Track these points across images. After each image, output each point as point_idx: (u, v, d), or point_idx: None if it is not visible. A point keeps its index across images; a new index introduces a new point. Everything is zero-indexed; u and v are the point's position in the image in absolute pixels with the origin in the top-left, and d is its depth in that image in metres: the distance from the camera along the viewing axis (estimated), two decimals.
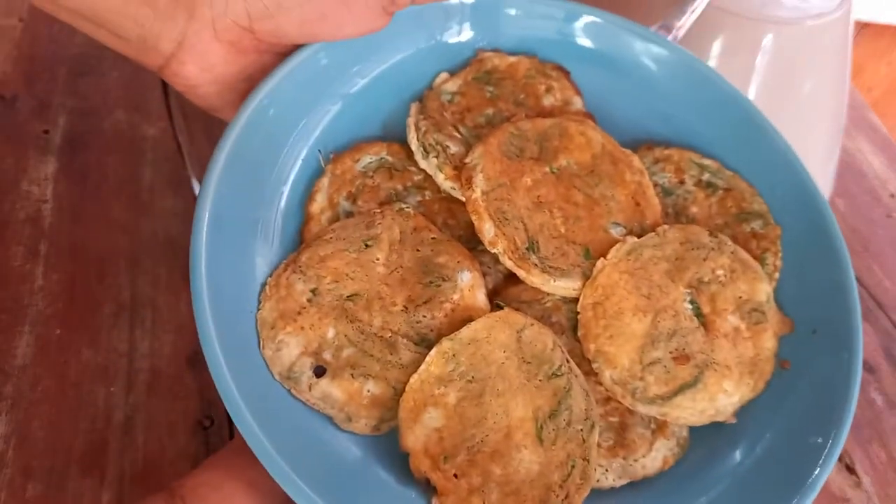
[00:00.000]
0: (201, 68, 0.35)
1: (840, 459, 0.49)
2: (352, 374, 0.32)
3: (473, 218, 0.35)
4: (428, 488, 0.31)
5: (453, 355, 0.32)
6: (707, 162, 0.39)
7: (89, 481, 0.43)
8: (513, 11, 0.39)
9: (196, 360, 0.49)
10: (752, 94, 0.55)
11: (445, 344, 0.32)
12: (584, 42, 0.40)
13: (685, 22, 0.49)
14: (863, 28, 1.06)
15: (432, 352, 0.32)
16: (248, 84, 0.36)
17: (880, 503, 0.48)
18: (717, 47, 0.53)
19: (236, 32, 0.34)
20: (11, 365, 0.47)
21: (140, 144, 0.61)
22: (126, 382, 0.47)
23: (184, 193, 0.58)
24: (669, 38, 0.48)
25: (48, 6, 0.34)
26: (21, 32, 0.69)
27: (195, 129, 0.63)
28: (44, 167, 0.58)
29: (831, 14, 0.54)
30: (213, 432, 0.46)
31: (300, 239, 0.36)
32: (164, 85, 0.66)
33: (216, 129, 0.63)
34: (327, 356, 0.32)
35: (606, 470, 0.33)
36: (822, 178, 0.64)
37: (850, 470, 0.49)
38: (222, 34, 0.34)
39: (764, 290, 0.36)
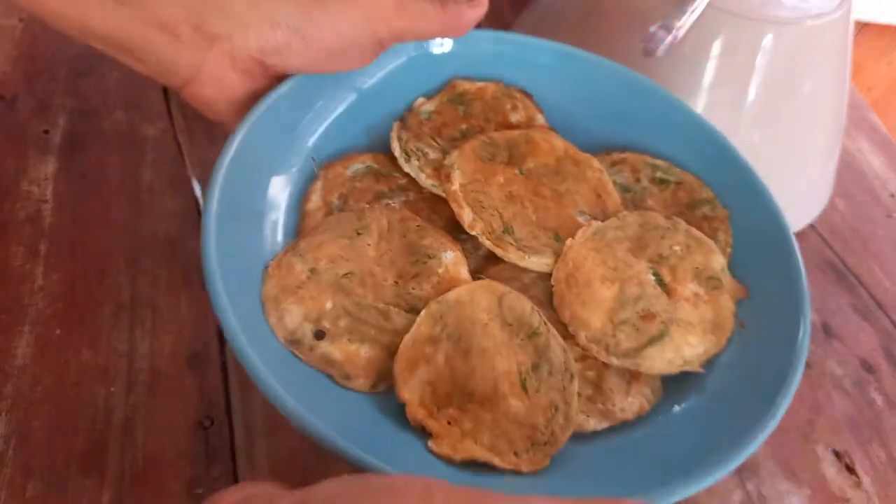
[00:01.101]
0: (217, 90, 0.39)
1: (840, 459, 0.49)
2: (349, 339, 0.35)
3: (454, 206, 0.39)
4: (424, 433, 0.33)
5: (441, 316, 0.36)
6: (658, 162, 0.45)
7: (89, 481, 0.43)
8: (485, 46, 0.46)
9: (196, 361, 0.49)
10: (752, 95, 0.55)
11: (433, 306, 0.36)
12: (545, 68, 0.47)
13: (685, 22, 0.49)
14: (863, 28, 1.06)
15: (422, 313, 0.36)
16: (257, 101, 0.41)
17: (880, 503, 0.48)
18: (717, 47, 0.54)
19: (250, 63, 0.39)
20: (11, 365, 0.47)
21: (140, 145, 0.61)
22: (126, 382, 0.47)
23: (184, 194, 0.58)
24: (669, 38, 0.49)
25: (77, 35, 0.37)
26: (21, 32, 0.69)
27: (195, 129, 0.63)
28: (44, 167, 0.58)
29: (831, 14, 0.54)
30: (213, 432, 0.46)
31: (297, 232, 0.40)
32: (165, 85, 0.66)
33: (216, 130, 0.63)
34: (326, 324, 0.36)
35: (588, 416, 0.36)
36: (822, 177, 0.64)
37: (850, 470, 0.49)
38: (238, 64, 0.38)
39: (718, 261, 0.40)
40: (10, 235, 0.54)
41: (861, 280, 0.60)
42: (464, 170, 0.40)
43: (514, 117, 0.45)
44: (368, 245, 0.38)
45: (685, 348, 0.37)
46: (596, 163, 0.43)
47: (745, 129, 0.56)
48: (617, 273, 0.39)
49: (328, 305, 0.36)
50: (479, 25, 0.75)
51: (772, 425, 0.33)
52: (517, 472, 0.33)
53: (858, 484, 0.48)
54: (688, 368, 0.38)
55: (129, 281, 0.52)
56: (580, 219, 0.41)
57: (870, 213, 0.65)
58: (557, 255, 0.39)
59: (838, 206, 0.65)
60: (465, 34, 0.42)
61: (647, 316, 0.38)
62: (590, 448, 0.35)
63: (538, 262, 0.39)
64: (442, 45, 0.45)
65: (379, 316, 0.36)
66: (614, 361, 0.37)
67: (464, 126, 0.45)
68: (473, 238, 0.40)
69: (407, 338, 0.35)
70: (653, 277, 0.39)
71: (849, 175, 0.68)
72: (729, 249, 0.42)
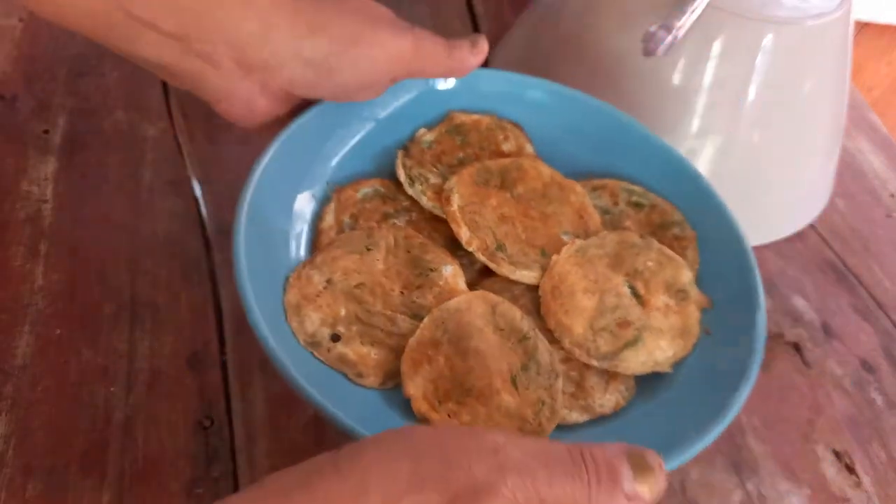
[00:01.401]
0: (247, 111, 0.43)
1: (840, 459, 0.49)
2: (361, 341, 0.40)
3: (453, 226, 0.44)
4: (427, 424, 0.38)
5: (442, 322, 0.41)
6: (634, 188, 0.50)
7: (89, 481, 0.43)
8: (478, 82, 0.51)
9: (196, 361, 0.49)
10: (752, 95, 0.55)
11: (435, 313, 0.41)
12: (533, 102, 0.52)
13: (685, 22, 0.49)
14: (863, 28, 1.06)
15: (425, 320, 0.41)
16: (283, 120, 0.46)
17: (880, 503, 0.48)
18: (717, 47, 0.54)
19: (279, 92, 0.43)
20: (11, 365, 0.47)
21: (140, 145, 0.61)
22: (126, 382, 0.47)
23: (184, 194, 0.58)
24: (669, 38, 0.49)
25: (122, 54, 0.41)
26: (21, 32, 0.69)
27: (195, 129, 0.63)
28: (44, 167, 0.58)
29: (831, 14, 0.54)
30: (213, 432, 0.46)
31: (313, 248, 0.45)
32: (165, 85, 0.66)
33: (216, 130, 0.63)
34: (341, 329, 0.40)
35: (571, 410, 0.41)
36: (822, 177, 0.64)
37: (850, 470, 0.49)
38: (268, 91, 0.43)
39: (686, 276, 0.45)
40: (10, 235, 0.54)
41: (861, 280, 0.60)
42: (461, 193, 0.45)
43: (506, 147, 0.51)
44: (377, 259, 0.43)
45: (656, 352, 0.42)
46: (579, 188, 0.48)
47: (745, 129, 0.56)
48: (597, 285, 0.44)
49: (342, 312, 0.41)
50: (478, 32, 0.75)
51: (730, 416, 0.37)
52: None
53: (858, 484, 0.48)
54: (658, 369, 0.42)
55: (129, 281, 0.52)
56: (564, 237, 0.46)
57: (870, 213, 0.65)
58: (544, 270, 0.44)
59: (838, 206, 0.65)
60: (464, 76, 0.47)
61: (623, 324, 0.43)
62: (572, 437, 0.40)
63: (527, 276, 0.44)
64: (445, 83, 0.50)
65: (387, 322, 0.41)
66: (594, 363, 0.42)
67: (461, 154, 0.50)
68: (470, 254, 0.44)
69: (412, 341, 0.40)
70: (628, 290, 0.44)
71: (849, 175, 0.68)
72: (696, 266, 0.47)
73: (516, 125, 0.52)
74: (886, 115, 0.79)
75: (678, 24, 0.49)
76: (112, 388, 0.47)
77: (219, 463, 0.45)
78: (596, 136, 0.51)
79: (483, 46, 0.45)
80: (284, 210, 0.44)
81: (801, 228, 0.63)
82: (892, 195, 0.67)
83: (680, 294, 0.44)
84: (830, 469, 0.49)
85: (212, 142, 0.62)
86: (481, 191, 0.46)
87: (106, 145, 0.60)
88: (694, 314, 0.44)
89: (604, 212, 0.49)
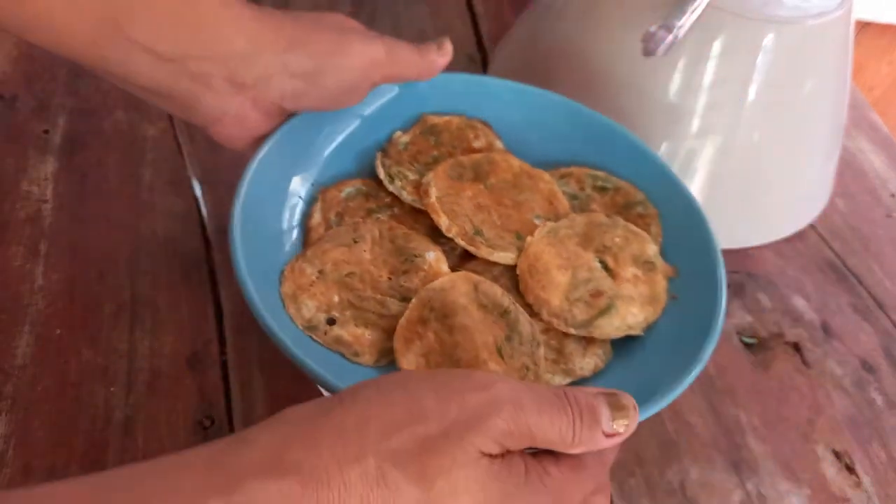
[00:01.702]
0: (240, 129, 0.46)
1: (840, 459, 0.49)
2: (355, 324, 0.43)
3: (433, 215, 0.47)
4: None
5: (428, 301, 0.44)
6: (598, 173, 0.53)
7: None
8: (447, 85, 0.54)
9: (196, 360, 0.49)
10: (752, 95, 0.55)
11: (422, 293, 0.44)
12: (501, 102, 0.55)
13: (685, 22, 0.49)
14: (864, 27, 1.06)
15: (413, 300, 0.44)
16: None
17: (880, 503, 0.48)
18: (717, 47, 0.54)
19: (270, 106, 0.45)
20: (11, 364, 0.47)
21: (140, 144, 0.61)
22: (126, 382, 0.47)
23: (184, 193, 0.58)
24: (670, 37, 0.49)
25: (116, 82, 0.43)
26: None
27: (195, 129, 0.63)
28: (44, 167, 0.58)
29: (832, 14, 0.54)
30: (214, 432, 0.46)
31: (303, 244, 0.48)
32: None
33: None
34: (335, 313, 0.43)
35: (553, 374, 0.44)
36: (823, 177, 0.64)
37: (850, 470, 0.49)
38: (259, 106, 0.45)
39: (651, 249, 0.49)
40: (11, 235, 0.54)
41: (861, 280, 0.60)
42: (438, 186, 0.48)
43: (477, 144, 0.54)
44: (364, 251, 0.46)
45: (628, 317, 0.46)
46: (547, 176, 0.52)
47: (745, 129, 0.56)
48: (569, 262, 0.47)
49: (336, 299, 0.44)
50: (478, 32, 0.75)
51: (698, 368, 0.41)
52: None
53: (858, 484, 0.48)
54: (631, 332, 0.46)
55: (129, 281, 0.52)
56: (537, 221, 0.49)
57: (870, 213, 0.65)
58: (520, 251, 0.47)
59: (838, 206, 0.65)
60: (435, 76, 0.50)
61: (596, 294, 0.46)
62: None
63: (504, 256, 0.47)
64: (416, 87, 0.53)
65: (378, 305, 0.44)
66: (572, 331, 0.45)
67: (435, 153, 0.53)
68: (451, 241, 0.47)
69: (402, 320, 0.43)
70: (599, 264, 0.48)
71: (849, 175, 0.68)
72: (660, 239, 0.50)
73: (485, 123, 0.55)
74: (887, 115, 0.79)
75: (678, 24, 0.49)
76: (112, 388, 0.47)
77: None
78: (560, 129, 0.54)
79: (448, 48, 0.49)
80: (275, 211, 0.47)
81: (802, 228, 0.63)
82: (893, 195, 0.67)
83: (647, 265, 0.48)
84: (830, 469, 0.49)
85: (212, 142, 0.62)
86: (456, 184, 0.49)
87: (106, 145, 0.60)
88: (661, 282, 0.47)
89: (571, 197, 0.52)
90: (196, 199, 0.58)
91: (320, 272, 0.44)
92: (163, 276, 0.53)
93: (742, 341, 0.55)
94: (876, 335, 0.56)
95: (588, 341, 0.45)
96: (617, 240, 0.48)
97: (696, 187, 0.58)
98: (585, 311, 0.45)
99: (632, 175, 0.53)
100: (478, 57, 0.73)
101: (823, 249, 0.62)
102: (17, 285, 0.51)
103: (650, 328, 0.46)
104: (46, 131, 0.61)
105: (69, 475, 0.43)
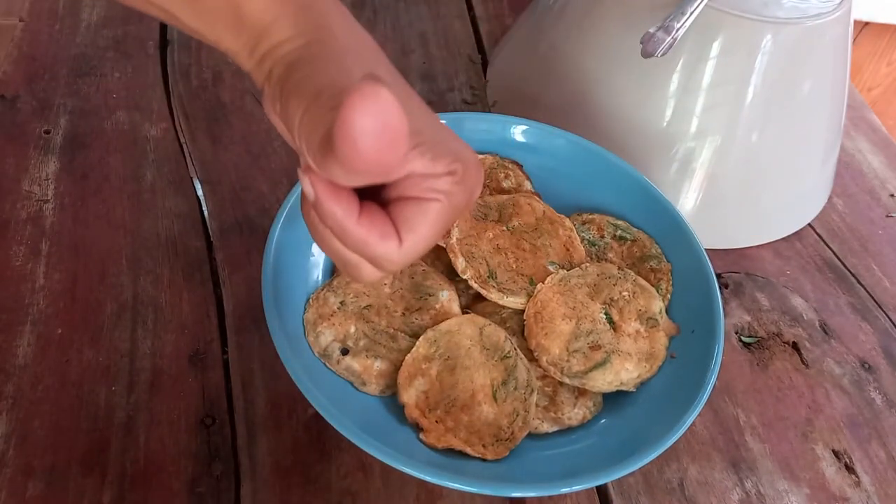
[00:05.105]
0: None
1: (839, 458, 0.49)
2: (366, 355, 0.46)
3: (451, 256, 0.49)
4: (417, 428, 0.44)
5: (435, 341, 0.46)
6: (619, 222, 0.55)
7: (90, 480, 0.43)
8: (483, 125, 0.56)
9: (197, 360, 0.49)
10: (751, 95, 0.55)
11: (429, 333, 0.46)
12: (531, 143, 0.57)
13: (685, 22, 0.49)
14: (863, 28, 1.06)
15: (421, 338, 0.46)
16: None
17: (880, 503, 0.48)
18: (717, 47, 0.54)
19: None
20: (12, 364, 0.47)
21: (142, 144, 0.61)
22: (127, 382, 0.47)
23: (185, 193, 0.58)
24: (669, 38, 0.49)
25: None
26: (21, 32, 0.69)
27: (197, 129, 0.63)
28: (45, 167, 0.58)
29: (831, 14, 0.54)
30: (215, 431, 0.46)
31: (331, 272, 0.51)
32: (167, 85, 0.66)
33: (218, 130, 0.63)
34: (350, 343, 0.46)
35: (543, 421, 0.46)
36: (822, 177, 0.64)
37: (850, 469, 0.49)
38: None
39: (657, 305, 0.50)
40: (12, 235, 0.54)
41: (860, 279, 0.60)
42: (461, 227, 0.50)
43: (507, 184, 0.56)
44: (385, 285, 0.49)
45: (622, 373, 0.47)
46: (568, 222, 0.53)
47: (744, 129, 0.56)
48: (575, 312, 0.48)
49: (352, 330, 0.47)
50: (477, 33, 0.75)
51: (679, 432, 0.42)
52: (484, 459, 0.43)
53: (857, 483, 0.48)
54: (623, 388, 0.47)
55: (130, 280, 0.52)
56: (551, 268, 0.51)
57: (869, 213, 0.65)
58: (530, 296, 0.49)
59: (837, 206, 0.65)
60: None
61: (595, 347, 0.47)
62: (541, 444, 0.45)
63: (514, 301, 0.49)
64: (450, 124, 0.55)
65: (389, 339, 0.47)
66: (566, 380, 0.46)
67: None
68: (465, 280, 0.49)
69: (408, 357, 0.45)
70: (604, 316, 0.49)
71: (848, 175, 0.68)
72: (669, 296, 0.51)
73: (517, 164, 0.57)
74: (886, 115, 0.79)
75: (677, 25, 0.49)
76: (113, 388, 0.47)
77: (220, 461, 0.45)
78: (588, 175, 0.56)
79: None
80: (304, 244, 0.49)
81: (800, 228, 0.63)
82: (892, 195, 0.67)
83: (650, 321, 0.49)
84: (829, 468, 0.49)
85: (214, 142, 0.62)
86: (479, 225, 0.51)
87: (107, 145, 0.61)
88: (662, 340, 0.49)
89: (590, 244, 0.54)
90: (198, 199, 0.58)
91: (342, 303, 0.47)
92: (164, 276, 0.53)
93: (741, 341, 0.55)
94: (875, 335, 0.56)
95: (580, 392, 0.47)
96: (625, 293, 0.50)
97: (695, 187, 0.59)
98: (582, 363, 0.47)
99: (651, 227, 0.54)
100: (477, 58, 0.73)
101: (822, 249, 0.62)
102: (18, 285, 0.51)
103: (644, 384, 0.47)
104: (48, 131, 0.61)
105: (70, 474, 0.43)
